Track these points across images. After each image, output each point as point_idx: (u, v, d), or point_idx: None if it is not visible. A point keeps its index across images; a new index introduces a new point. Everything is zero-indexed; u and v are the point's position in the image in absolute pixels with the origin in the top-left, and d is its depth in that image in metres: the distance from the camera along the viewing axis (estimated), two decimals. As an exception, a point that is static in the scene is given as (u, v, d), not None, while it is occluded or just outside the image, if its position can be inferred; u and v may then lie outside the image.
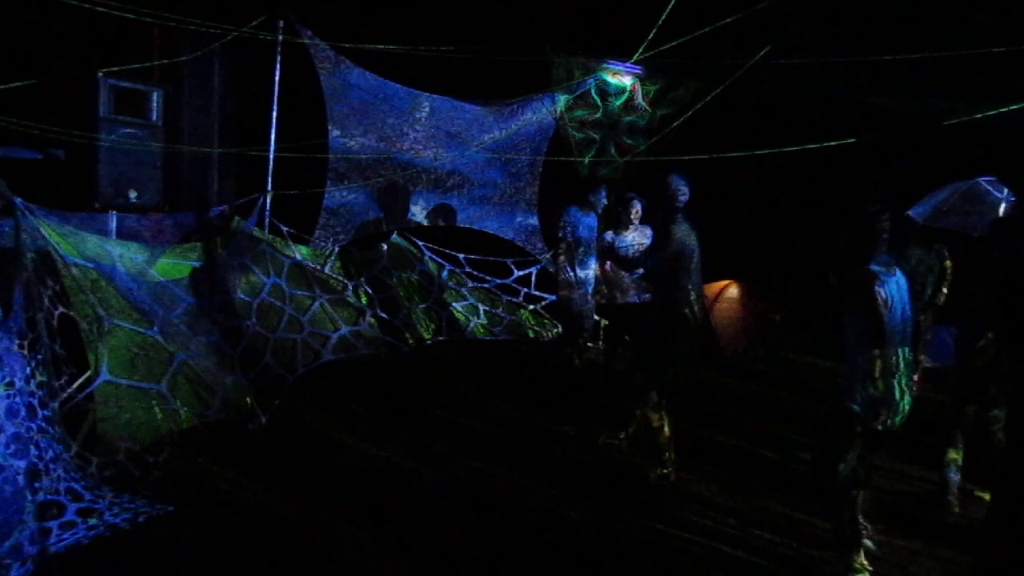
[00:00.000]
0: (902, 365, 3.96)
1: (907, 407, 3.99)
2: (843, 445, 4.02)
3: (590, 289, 6.85)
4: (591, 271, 6.83)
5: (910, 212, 6.63)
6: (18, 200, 4.87)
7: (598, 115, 9.29)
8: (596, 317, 7.76)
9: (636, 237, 6.79)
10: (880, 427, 3.95)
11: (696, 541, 4.48)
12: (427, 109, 8.52)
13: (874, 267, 3.94)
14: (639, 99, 9.36)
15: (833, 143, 5.23)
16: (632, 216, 6.79)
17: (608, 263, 6.88)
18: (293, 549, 4.09)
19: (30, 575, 3.55)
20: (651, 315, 5.58)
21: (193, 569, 3.89)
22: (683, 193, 5.31)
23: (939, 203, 7.00)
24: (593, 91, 9.22)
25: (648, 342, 5.47)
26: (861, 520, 4.18)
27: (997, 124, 6.11)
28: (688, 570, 4.19)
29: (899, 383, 3.94)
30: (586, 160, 9.28)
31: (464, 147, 8.81)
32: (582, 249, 6.74)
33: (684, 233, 5.27)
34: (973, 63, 5.85)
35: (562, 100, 9.03)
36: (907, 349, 4.02)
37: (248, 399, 5.86)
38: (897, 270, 4.05)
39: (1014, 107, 5.01)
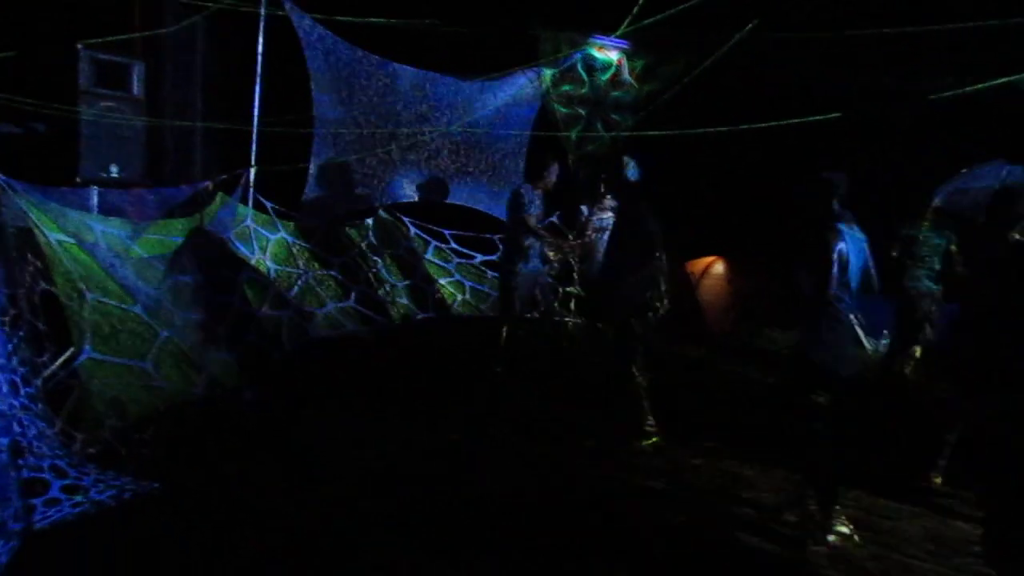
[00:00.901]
0: (858, 320, 4.08)
1: (868, 361, 4.16)
2: (810, 399, 4.12)
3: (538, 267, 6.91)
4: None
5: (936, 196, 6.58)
6: (-1, 175, 4.81)
7: (584, 90, 9.22)
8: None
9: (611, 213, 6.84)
10: (843, 377, 4.04)
11: (684, 506, 4.52)
12: (413, 84, 8.43)
13: (838, 224, 4.11)
14: (626, 74, 9.29)
15: (818, 118, 5.21)
16: (603, 192, 6.83)
17: (585, 238, 6.93)
18: (278, 526, 4.08)
19: (15, 552, 3.53)
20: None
21: (179, 546, 3.88)
22: (633, 172, 5.45)
23: (957, 187, 6.95)
24: (580, 66, 9.14)
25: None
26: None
27: (986, 99, 6.12)
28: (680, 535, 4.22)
29: (855, 336, 4.06)
30: (573, 135, 9.23)
31: (450, 122, 8.74)
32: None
33: (642, 212, 5.44)
34: (962, 38, 5.84)
35: (548, 75, 8.95)
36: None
37: (234, 376, 5.85)
38: (857, 228, 4.20)
39: (999, 81, 5.00)
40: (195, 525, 4.06)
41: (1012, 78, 6.07)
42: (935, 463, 5.11)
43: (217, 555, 3.77)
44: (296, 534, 3.99)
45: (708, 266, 9.76)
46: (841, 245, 4.07)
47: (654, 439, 5.52)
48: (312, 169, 7.84)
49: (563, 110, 9.21)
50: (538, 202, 6.79)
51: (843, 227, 4.14)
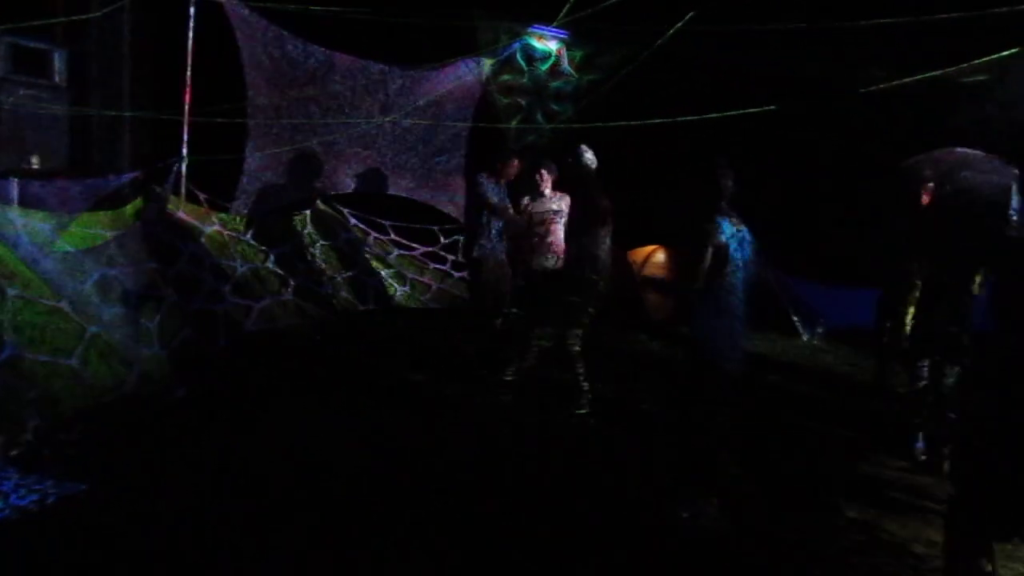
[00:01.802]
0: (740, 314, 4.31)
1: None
2: (710, 393, 4.26)
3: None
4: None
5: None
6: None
7: (524, 80, 9.20)
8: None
9: (552, 203, 6.81)
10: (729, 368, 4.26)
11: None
12: (351, 72, 8.31)
13: (717, 219, 4.32)
14: (565, 64, 9.30)
15: (754, 110, 5.28)
16: (542, 183, 6.79)
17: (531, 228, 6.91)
18: (210, 526, 3.96)
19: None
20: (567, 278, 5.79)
21: (107, 549, 3.73)
22: (591, 160, 5.57)
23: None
24: (519, 56, 9.12)
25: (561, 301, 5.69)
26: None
27: (917, 93, 6.27)
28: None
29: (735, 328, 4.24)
30: (513, 125, 9.21)
31: (389, 112, 8.64)
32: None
33: (596, 193, 5.56)
34: (894, 32, 5.97)
35: (487, 64, 8.91)
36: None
37: (165, 372, 5.68)
38: (744, 227, 4.41)
39: (929, 75, 5.13)
40: (125, 528, 3.92)
41: (941, 72, 6.25)
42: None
43: (145, 559, 3.64)
44: (228, 535, 3.88)
45: (649, 255, 9.83)
46: (721, 238, 4.24)
47: (585, 410, 5.68)
48: (247, 159, 7.68)
49: (503, 100, 9.18)
50: (496, 190, 6.69)
51: (723, 222, 4.31)
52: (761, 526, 4.27)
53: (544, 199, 6.73)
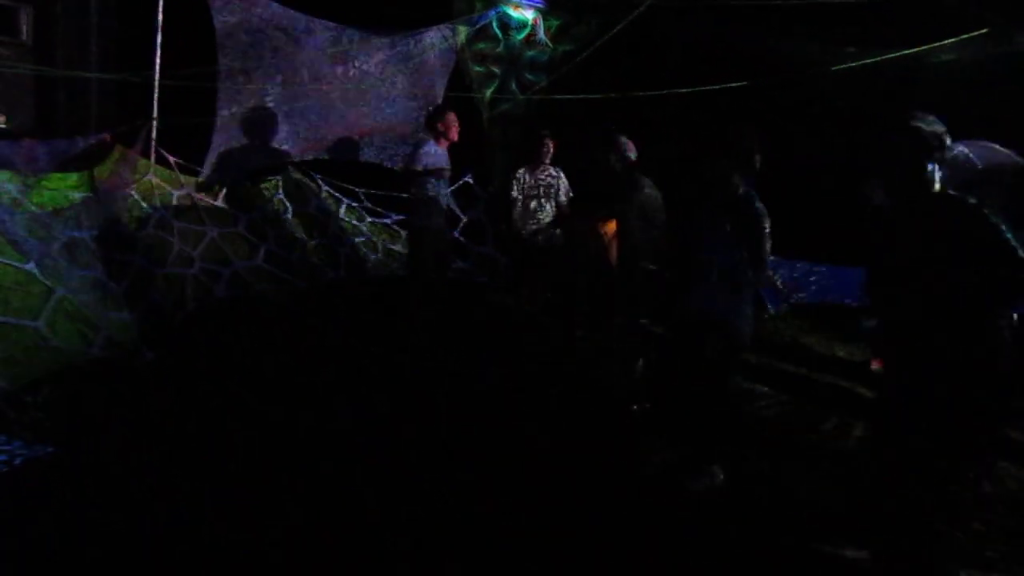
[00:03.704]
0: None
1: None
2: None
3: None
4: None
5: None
6: None
7: (499, 49, 9.15)
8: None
9: (548, 175, 6.91)
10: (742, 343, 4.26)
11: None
12: (324, 37, 8.20)
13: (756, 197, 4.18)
14: (541, 34, 9.27)
15: (730, 85, 5.31)
16: (544, 154, 6.88)
17: (522, 200, 6.95)
18: (175, 488, 3.98)
19: None
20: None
21: (74, 510, 3.75)
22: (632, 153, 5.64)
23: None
24: (494, 24, 9.07)
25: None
26: None
27: (886, 71, 6.33)
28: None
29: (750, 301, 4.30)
30: (487, 95, 9.17)
31: (362, 78, 8.56)
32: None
33: (650, 187, 5.53)
34: (870, 10, 6.02)
35: (463, 32, 8.84)
36: None
37: (133, 336, 5.66)
38: None
39: (898, 54, 5.19)
40: (91, 490, 3.93)
41: (913, 50, 6.32)
42: None
43: (110, 521, 3.65)
44: (193, 499, 3.89)
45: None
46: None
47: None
48: (217, 124, 7.58)
49: (477, 68, 9.13)
50: (436, 152, 6.58)
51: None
52: (769, 491, 4.34)
53: (544, 168, 6.84)
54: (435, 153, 6.52)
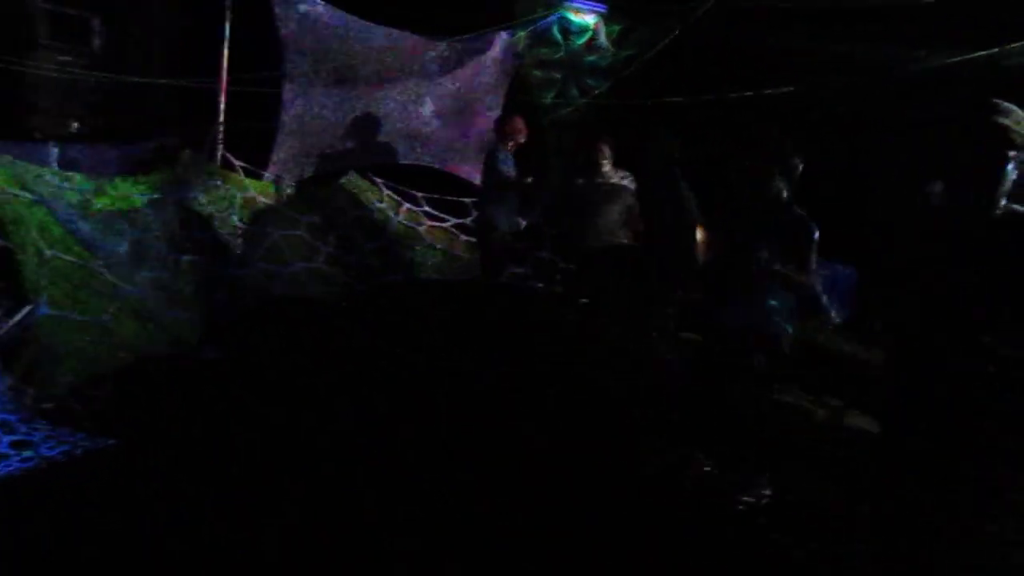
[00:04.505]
0: None
1: None
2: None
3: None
4: None
5: None
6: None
7: (559, 54, 9.16)
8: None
9: (609, 181, 6.87)
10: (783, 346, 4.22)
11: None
12: (385, 44, 8.32)
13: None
14: (602, 39, 9.23)
15: (778, 90, 5.22)
16: (601, 160, 6.82)
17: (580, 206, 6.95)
18: (233, 483, 4.09)
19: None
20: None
21: (131, 501, 3.87)
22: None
23: None
24: (555, 29, 9.07)
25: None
26: None
27: (957, 74, 6.13)
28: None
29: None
30: (546, 100, 9.19)
31: (424, 83, 8.67)
32: None
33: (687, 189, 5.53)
34: (934, 12, 5.84)
35: (523, 37, 8.88)
36: None
37: (195, 335, 5.84)
38: None
39: (962, 58, 5.02)
40: (150, 482, 4.05)
41: (984, 52, 6.11)
42: None
43: (166, 512, 3.77)
44: (250, 494, 3.99)
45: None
46: None
47: None
48: (281, 127, 7.77)
49: (537, 73, 9.15)
50: (511, 163, 6.84)
51: None
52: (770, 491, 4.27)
53: (603, 174, 6.76)
54: (504, 158, 6.69)
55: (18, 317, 4.91)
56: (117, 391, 4.95)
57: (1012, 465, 3.83)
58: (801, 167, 4.10)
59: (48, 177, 5.56)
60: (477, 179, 9.25)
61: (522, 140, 6.92)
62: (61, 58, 6.02)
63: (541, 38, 9.07)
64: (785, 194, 4.11)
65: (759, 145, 4.18)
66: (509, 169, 6.83)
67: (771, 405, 4.37)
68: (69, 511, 3.73)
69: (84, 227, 5.56)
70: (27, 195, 5.23)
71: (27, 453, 4.08)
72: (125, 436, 4.42)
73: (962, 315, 2.92)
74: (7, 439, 4.06)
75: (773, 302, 4.13)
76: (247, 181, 7.44)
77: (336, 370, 5.84)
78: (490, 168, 6.88)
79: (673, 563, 3.63)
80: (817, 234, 4.03)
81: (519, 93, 8.98)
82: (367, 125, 8.59)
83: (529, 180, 7.89)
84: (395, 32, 8.32)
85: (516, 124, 6.91)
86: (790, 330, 4.19)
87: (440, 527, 3.75)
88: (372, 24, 8.19)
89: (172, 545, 3.47)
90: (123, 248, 5.82)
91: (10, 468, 3.94)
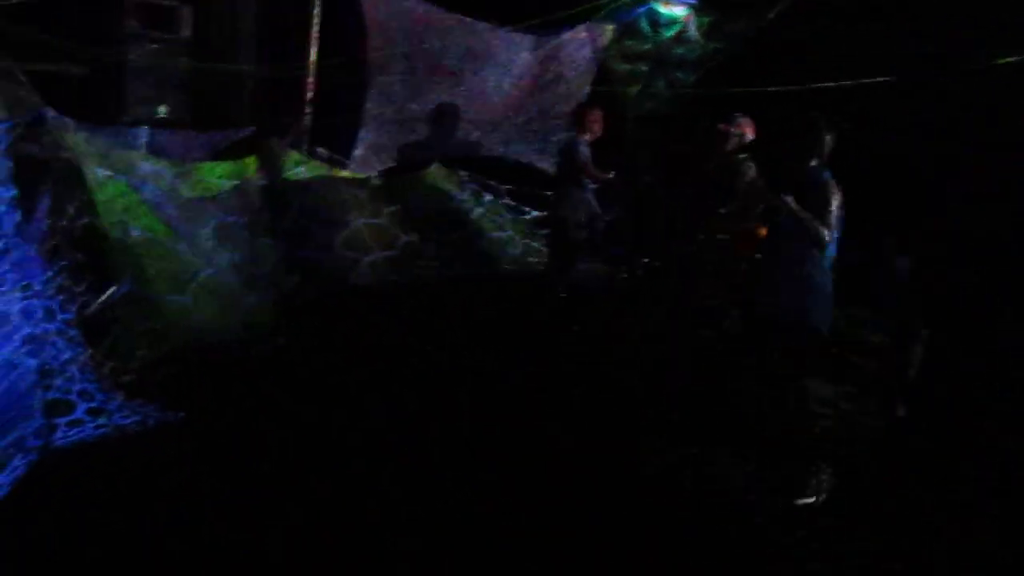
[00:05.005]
0: None
1: None
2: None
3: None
4: None
5: None
6: (48, 112, 5.00)
7: (647, 46, 8.99)
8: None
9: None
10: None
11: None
12: (470, 35, 8.37)
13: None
14: (692, 31, 9.01)
15: (867, 80, 4.99)
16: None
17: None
18: (295, 465, 4.19)
19: (32, 466, 3.75)
20: None
21: (194, 472, 4.03)
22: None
23: None
24: (644, 21, 8.92)
25: None
26: None
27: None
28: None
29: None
30: (632, 92, 9.04)
31: (509, 75, 8.68)
32: None
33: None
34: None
35: (609, 29, 8.77)
36: None
37: (269, 318, 6.00)
38: None
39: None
40: (215, 456, 4.21)
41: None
42: None
43: (226, 487, 3.90)
44: (313, 477, 4.08)
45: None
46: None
47: None
48: (366, 117, 7.92)
49: (623, 67, 9.02)
50: (583, 149, 6.83)
51: None
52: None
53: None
54: (583, 150, 6.69)
55: (105, 296, 5.14)
56: (189, 368, 5.14)
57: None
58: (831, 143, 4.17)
59: (138, 161, 5.80)
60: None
61: (599, 132, 6.89)
62: (151, 47, 6.29)
63: (628, 30, 8.93)
64: (814, 162, 4.16)
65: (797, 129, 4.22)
66: (586, 160, 6.81)
67: (776, 402, 4.20)
68: (135, 477, 3.91)
69: (170, 210, 5.79)
70: (117, 177, 5.47)
71: (101, 420, 4.29)
72: (193, 411, 4.60)
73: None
74: (84, 406, 4.27)
75: (803, 288, 4.07)
76: (330, 169, 7.61)
77: (381, 363, 5.82)
78: (566, 159, 6.88)
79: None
80: (836, 201, 4.02)
81: (602, 85, 8.87)
82: (450, 116, 8.66)
83: (611, 175, 7.80)
84: (484, 25, 8.36)
85: (594, 115, 6.89)
86: (823, 318, 4.11)
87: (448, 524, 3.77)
88: (459, 16, 8.25)
89: (218, 516, 3.61)
90: (206, 231, 6.04)
91: (83, 434, 4.16)
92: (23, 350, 4.13)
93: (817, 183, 4.10)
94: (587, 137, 6.87)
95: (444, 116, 8.63)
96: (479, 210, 8.91)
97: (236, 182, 6.45)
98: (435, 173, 8.66)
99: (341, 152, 7.85)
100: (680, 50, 9.08)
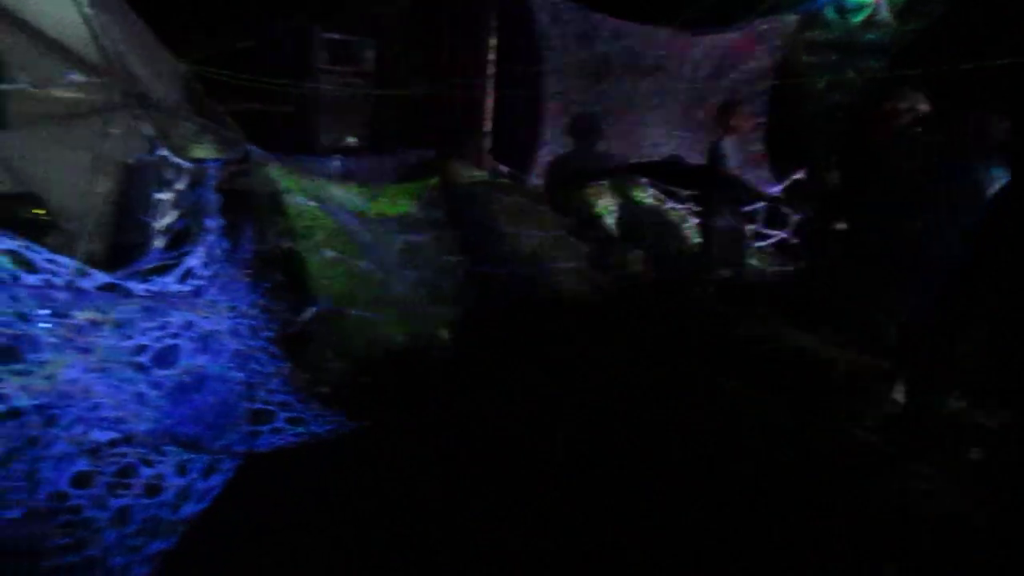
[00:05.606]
0: None
1: None
2: None
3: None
4: None
5: None
6: (253, 148, 5.53)
7: (834, 35, 8.54)
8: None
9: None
10: None
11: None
12: (648, 42, 8.34)
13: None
14: (884, 13, 8.47)
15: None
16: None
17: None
18: (482, 476, 4.35)
19: (238, 469, 4.12)
20: None
21: (381, 474, 4.33)
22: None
23: None
24: (829, 8, 8.49)
25: None
26: None
27: None
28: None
29: None
30: (820, 84, 8.62)
31: (689, 80, 8.56)
32: None
33: None
34: None
35: (792, 21, 8.43)
36: None
37: (453, 332, 6.24)
38: None
39: None
40: (402, 463, 4.47)
41: None
42: None
43: (409, 493, 4.14)
44: (498, 489, 4.22)
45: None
46: None
47: None
48: (544, 131, 8.07)
49: (808, 58, 8.62)
50: (730, 148, 6.62)
51: None
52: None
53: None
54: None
55: (305, 315, 5.58)
56: (378, 380, 5.44)
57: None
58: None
59: (330, 188, 6.25)
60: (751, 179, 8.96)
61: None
62: (339, 80, 6.77)
63: (813, 20, 8.54)
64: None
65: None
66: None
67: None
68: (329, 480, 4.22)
69: (360, 231, 6.18)
70: (313, 204, 5.93)
71: (299, 428, 4.63)
72: (383, 420, 4.88)
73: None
74: (284, 415, 4.63)
75: None
76: (509, 185, 7.81)
77: (568, 375, 5.82)
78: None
79: None
80: None
81: (786, 78, 8.52)
82: (630, 126, 8.66)
83: (799, 176, 7.47)
84: (658, 31, 8.30)
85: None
86: None
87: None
88: (635, 24, 8.24)
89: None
90: (393, 251, 6.39)
91: (284, 440, 4.51)
92: (231, 365, 4.56)
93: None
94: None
95: (624, 126, 8.64)
96: (661, 217, 8.81)
97: (420, 201, 6.76)
98: (615, 182, 8.66)
99: (520, 167, 8.04)
100: (871, 35, 8.57)
